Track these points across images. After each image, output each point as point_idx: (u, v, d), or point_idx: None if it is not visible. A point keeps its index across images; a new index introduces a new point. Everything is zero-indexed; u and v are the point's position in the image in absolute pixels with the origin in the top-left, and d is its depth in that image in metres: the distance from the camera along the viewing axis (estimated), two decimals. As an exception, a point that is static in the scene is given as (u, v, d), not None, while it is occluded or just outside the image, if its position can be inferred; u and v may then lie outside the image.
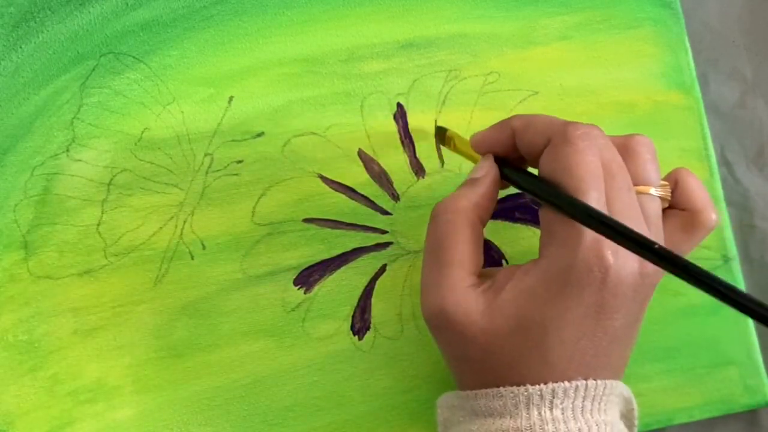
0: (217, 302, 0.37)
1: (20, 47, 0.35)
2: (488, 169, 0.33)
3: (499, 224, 0.39)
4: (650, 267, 0.30)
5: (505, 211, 0.39)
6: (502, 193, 0.39)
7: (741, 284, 0.41)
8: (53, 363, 0.35)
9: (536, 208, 0.40)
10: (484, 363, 0.31)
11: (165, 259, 0.36)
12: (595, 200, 0.29)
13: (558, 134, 0.31)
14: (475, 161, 0.35)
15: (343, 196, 0.38)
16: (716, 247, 0.41)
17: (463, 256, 0.32)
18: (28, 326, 0.35)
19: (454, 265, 0.31)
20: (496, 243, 0.39)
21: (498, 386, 0.30)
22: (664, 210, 0.33)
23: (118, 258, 0.36)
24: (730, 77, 0.44)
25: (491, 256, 0.39)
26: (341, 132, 0.38)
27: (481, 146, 0.34)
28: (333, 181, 0.38)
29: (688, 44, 0.41)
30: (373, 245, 0.38)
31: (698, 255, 0.41)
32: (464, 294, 0.31)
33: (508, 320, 0.30)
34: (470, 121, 0.39)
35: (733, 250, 0.41)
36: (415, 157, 0.39)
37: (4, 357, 0.34)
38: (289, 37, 0.38)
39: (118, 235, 0.36)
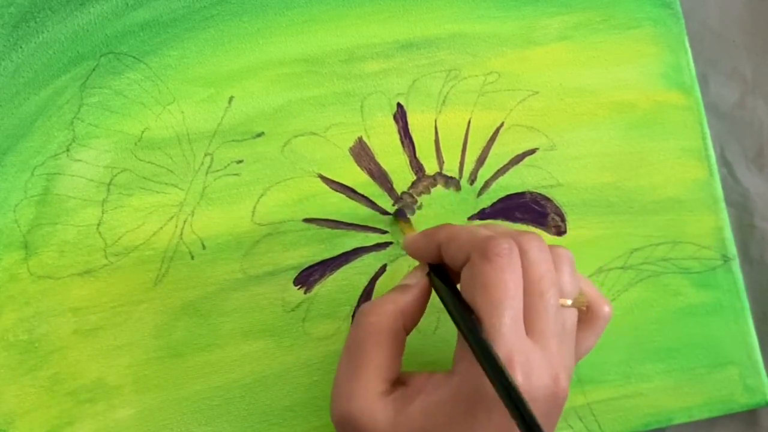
0: (217, 302, 0.37)
1: (20, 47, 0.35)
2: (419, 278, 0.33)
3: (499, 224, 0.39)
4: (563, 386, 0.29)
5: (505, 210, 0.39)
6: (502, 192, 0.39)
7: (741, 284, 0.41)
8: (53, 363, 0.35)
9: (537, 208, 0.40)
10: None
11: (165, 259, 0.36)
12: (507, 324, 0.28)
13: (477, 250, 0.30)
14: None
15: (343, 196, 0.38)
16: (716, 247, 0.41)
17: (380, 361, 0.30)
18: (28, 326, 0.35)
19: (368, 370, 0.30)
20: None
21: None
22: None
23: (118, 258, 0.36)
24: (730, 77, 0.44)
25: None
26: (341, 132, 0.38)
27: (411, 251, 0.34)
28: (333, 181, 0.38)
29: (688, 44, 0.41)
30: (373, 245, 0.38)
31: (699, 255, 0.41)
32: (374, 401, 0.30)
33: None
34: (470, 121, 0.39)
35: (732, 250, 0.41)
36: (415, 157, 0.39)
37: (4, 357, 0.34)
38: (289, 37, 0.38)
39: (118, 235, 0.36)
